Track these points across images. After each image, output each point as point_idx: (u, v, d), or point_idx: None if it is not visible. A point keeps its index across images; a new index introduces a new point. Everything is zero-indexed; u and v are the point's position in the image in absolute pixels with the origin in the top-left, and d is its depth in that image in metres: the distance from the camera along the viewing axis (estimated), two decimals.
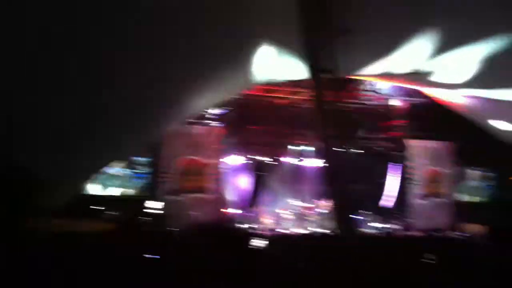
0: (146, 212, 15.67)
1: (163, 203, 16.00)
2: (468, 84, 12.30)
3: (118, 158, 15.44)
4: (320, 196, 19.71)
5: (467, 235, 17.07)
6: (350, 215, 11.55)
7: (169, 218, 15.80)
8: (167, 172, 16.27)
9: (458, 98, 15.10)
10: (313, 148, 18.99)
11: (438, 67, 12.02)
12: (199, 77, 11.44)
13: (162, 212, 15.83)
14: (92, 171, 13.88)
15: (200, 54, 10.08)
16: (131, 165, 16.49)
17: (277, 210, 19.11)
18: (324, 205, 18.88)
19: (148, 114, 11.28)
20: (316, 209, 19.51)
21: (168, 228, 14.44)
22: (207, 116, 17.23)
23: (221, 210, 17.00)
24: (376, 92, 18.82)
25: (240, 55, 11.84)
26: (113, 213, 14.92)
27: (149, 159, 16.65)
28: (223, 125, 17.13)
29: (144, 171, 16.72)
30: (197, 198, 16.60)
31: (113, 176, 16.31)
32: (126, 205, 15.57)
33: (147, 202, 16.02)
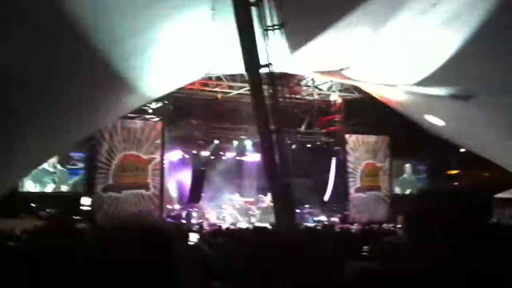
0: (82, 209, 15.25)
1: (100, 200, 15.62)
2: (403, 80, 12.70)
3: (53, 154, 14.93)
4: (261, 191, 19.89)
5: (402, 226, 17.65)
6: (291, 209, 11.70)
7: (105, 215, 15.45)
8: (105, 168, 15.88)
9: (393, 94, 15.59)
10: (253, 143, 19.10)
11: (373, 62, 12.34)
12: (137, 71, 11.24)
13: (98, 209, 15.45)
14: (26, 167, 13.38)
15: (138, 48, 9.89)
16: (66, 161, 15.93)
17: (219, 205, 19.12)
18: (265, 200, 19.04)
19: (84, 109, 10.98)
20: (257, 204, 19.67)
21: (104, 226, 14.06)
22: (146, 110, 16.93)
23: (162, 206, 16.78)
24: (315, 87, 19.12)
25: (179, 50, 11.73)
26: (47, 210, 14.41)
27: (86, 155, 16.14)
28: (162, 119, 16.85)
29: (80, 167, 16.21)
30: (136, 194, 16.31)
31: (47, 172, 15.72)
32: (60, 202, 15.07)
33: (83, 198, 15.59)
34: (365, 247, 7.02)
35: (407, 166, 21.62)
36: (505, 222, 13.91)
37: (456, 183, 23.27)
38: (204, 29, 10.93)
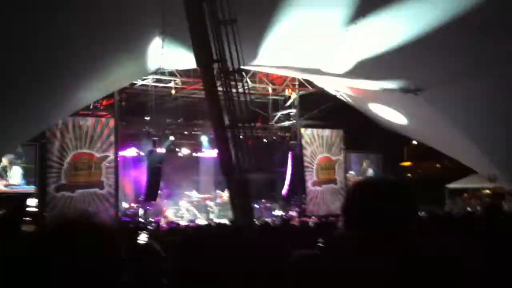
0: (31, 209, 14.82)
1: (53, 200, 15.22)
2: (355, 75, 12.91)
3: (1, 153, 14.43)
4: (219, 187, 19.85)
5: None
6: (249, 204, 11.71)
7: (58, 215, 15.06)
8: (56, 167, 15.46)
9: (346, 88, 15.84)
10: (208, 138, 19.00)
11: (327, 57, 12.48)
12: (89, 66, 10.99)
13: (52, 208, 15.04)
14: None
15: (90, 43, 9.67)
16: (16, 158, 15.40)
17: (176, 202, 18.96)
18: (223, 195, 19.01)
19: (34, 105, 10.66)
20: (215, 200, 19.61)
21: (56, 226, 13.70)
22: (97, 107, 16.58)
23: (117, 204, 16.48)
24: (268, 82, 19.18)
25: (131, 45, 11.53)
26: None
27: (36, 153, 15.65)
28: (114, 116, 16.53)
29: (30, 165, 15.70)
30: (90, 193, 15.96)
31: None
32: (10, 203, 14.56)
33: (29, 199, 15.12)
34: (320, 239, 7.14)
35: (362, 158, 22.00)
36: (456, 212, 14.41)
37: (409, 175, 23.93)
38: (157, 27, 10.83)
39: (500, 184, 15.39)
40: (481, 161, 14.08)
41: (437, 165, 22.89)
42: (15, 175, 15.53)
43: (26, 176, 15.69)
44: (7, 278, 1.23)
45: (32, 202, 15.14)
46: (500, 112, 11.42)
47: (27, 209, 14.92)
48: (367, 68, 11.83)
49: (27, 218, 13.61)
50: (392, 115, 15.61)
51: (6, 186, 15.37)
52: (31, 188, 15.59)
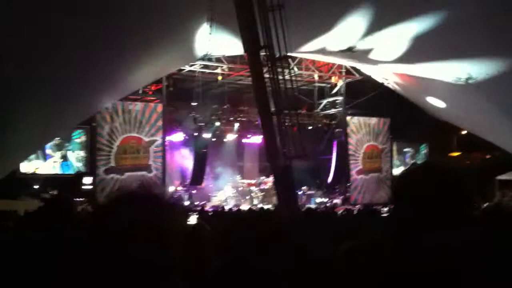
0: (84, 189, 15.39)
1: (102, 182, 15.73)
2: (401, 61, 12.67)
3: (54, 136, 15.00)
4: (263, 173, 19.96)
5: None
6: (292, 190, 11.76)
7: (107, 198, 15.55)
8: (106, 150, 15.95)
9: (392, 76, 15.57)
10: (254, 125, 19.09)
11: (373, 44, 12.30)
12: (137, 52, 11.23)
13: (101, 190, 15.57)
14: (27, 149, 13.47)
15: (137, 29, 9.88)
16: (67, 142, 15.98)
17: (221, 187, 19.20)
18: (268, 181, 19.11)
19: (84, 90, 11.01)
20: (259, 186, 19.74)
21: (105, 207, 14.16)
22: (146, 92, 16.93)
23: (163, 188, 16.85)
24: (314, 69, 19.05)
25: (179, 31, 11.70)
26: (49, 191, 14.50)
27: (86, 137, 16.19)
28: (162, 101, 16.85)
29: (81, 149, 16.27)
30: (138, 176, 16.38)
31: (49, 153, 15.80)
32: (62, 184, 15.16)
33: (85, 178, 15.71)
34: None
35: (409, 147, 21.60)
36: (506, 204, 13.98)
37: (458, 165, 23.30)
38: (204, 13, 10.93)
39: None
40: None
41: (487, 156, 22.15)
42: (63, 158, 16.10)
43: (76, 159, 16.28)
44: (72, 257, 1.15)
45: (88, 180, 15.68)
46: None
47: (83, 187, 15.49)
48: (417, 56, 11.59)
49: (82, 199, 14.16)
50: (441, 104, 15.25)
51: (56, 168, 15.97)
52: (79, 171, 16.16)
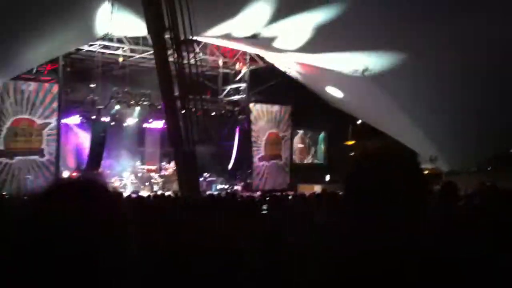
0: None
1: None
2: (303, 51, 13.00)
3: None
4: (164, 158, 19.62)
5: (302, 194, 18.32)
6: (195, 177, 11.66)
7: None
8: None
9: (295, 65, 15.95)
10: (156, 109, 18.67)
11: (277, 33, 12.49)
12: (30, 28, 10.47)
13: None
14: None
15: (30, 3, 9.20)
16: None
17: (119, 173, 18.58)
18: (169, 167, 18.82)
19: None
20: (160, 172, 19.40)
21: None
22: (41, 72, 15.87)
23: (58, 173, 15.99)
24: (219, 54, 19.01)
25: (78, 7, 11.07)
26: None
27: None
28: (58, 82, 15.89)
29: None
30: (30, 161, 15.39)
31: None
32: None
33: None
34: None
35: (308, 135, 22.40)
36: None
37: (352, 153, 24.50)
38: None
39: (438, 165, 16.06)
40: (422, 143, 14.63)
41: (380, 145, 23.52)
42: None
43: None
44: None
45: None
46: (443, 94, 11.86)
47: None
48: (319, 46, 11.95)
49: None
50: (339, 94, 15.90)
51: None
52: None
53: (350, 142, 24.37)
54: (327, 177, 20.48)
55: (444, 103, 11.93)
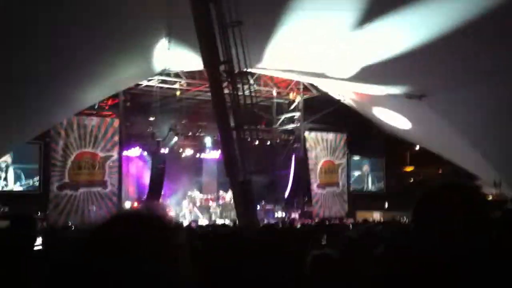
0: (38, 208, 14.89)
1: (55, 198, 15.29)
2: (360, 80, 12.95)
3: (6, 151, 14.49)
4: (222, 188, 19.87)
5: (360, 222, 18.01)
6: (252, 205, 11.70)
7: (61, 213, 15.16)
8: (60, 166, 15.54)
9: (350, 93, 15.88)
10: (212, 139, 19.07)
11: (332, 61, 12.52)
12: (94, 66, 11.03)
13: (54, 207, 15.13)
14: None
15: (94, 44, 9.72)
16: (19, 158, 15.47)
17: (178, 203, 18.97)
18: (226, 196, 19.03)
19: (39, 104, 10.71)
20: (218, 200, 19.64)
21: (62, 224, 13.79)
22: (103, 107, 16.64)
23: (120, 204, 16.53)
24: (273, 85, 19.24)
25: (136, 45, 11.58)
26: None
27: (41, 151, 15.75)
28: (119, 116, 16.59)
29: (33, 165, 15.78)
30: (93, 192, 16.03)
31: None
32: (14, 200, 14.63)
33: (37, 197, 15.22)
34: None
35: (364, 163, 22.06)
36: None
37: (412, 180, 23.93)
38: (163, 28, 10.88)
39: (503, 190, 15.39)
40: (482, 167, 14.09)
41: (439, 171, 22.84)
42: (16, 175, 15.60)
43: (28, 175, 15.76)
44: None
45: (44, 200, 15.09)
46: (501, 117, 11.46)
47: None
48: (372, 73, 11.87)
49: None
50: (395, 120, 15.65)
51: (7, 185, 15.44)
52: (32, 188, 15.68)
53: (409, 169, 23.83)
54: (386, 204, 20.05)
55: (500, 123, 11.53)
